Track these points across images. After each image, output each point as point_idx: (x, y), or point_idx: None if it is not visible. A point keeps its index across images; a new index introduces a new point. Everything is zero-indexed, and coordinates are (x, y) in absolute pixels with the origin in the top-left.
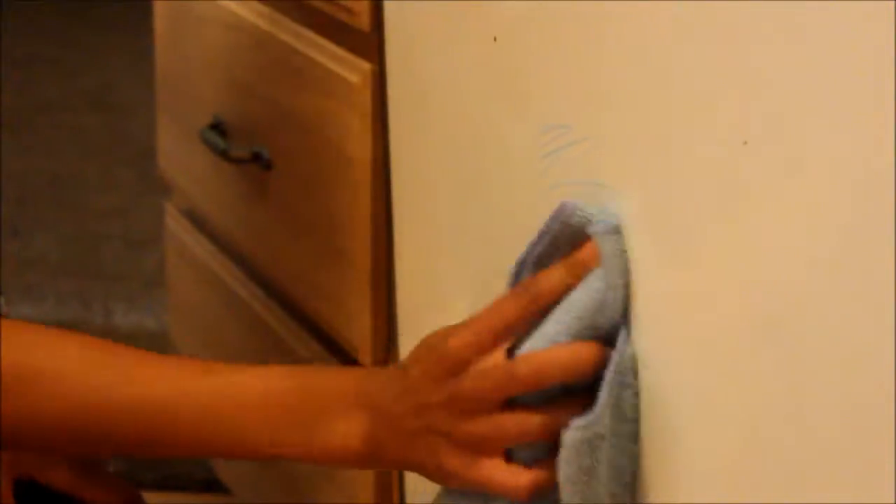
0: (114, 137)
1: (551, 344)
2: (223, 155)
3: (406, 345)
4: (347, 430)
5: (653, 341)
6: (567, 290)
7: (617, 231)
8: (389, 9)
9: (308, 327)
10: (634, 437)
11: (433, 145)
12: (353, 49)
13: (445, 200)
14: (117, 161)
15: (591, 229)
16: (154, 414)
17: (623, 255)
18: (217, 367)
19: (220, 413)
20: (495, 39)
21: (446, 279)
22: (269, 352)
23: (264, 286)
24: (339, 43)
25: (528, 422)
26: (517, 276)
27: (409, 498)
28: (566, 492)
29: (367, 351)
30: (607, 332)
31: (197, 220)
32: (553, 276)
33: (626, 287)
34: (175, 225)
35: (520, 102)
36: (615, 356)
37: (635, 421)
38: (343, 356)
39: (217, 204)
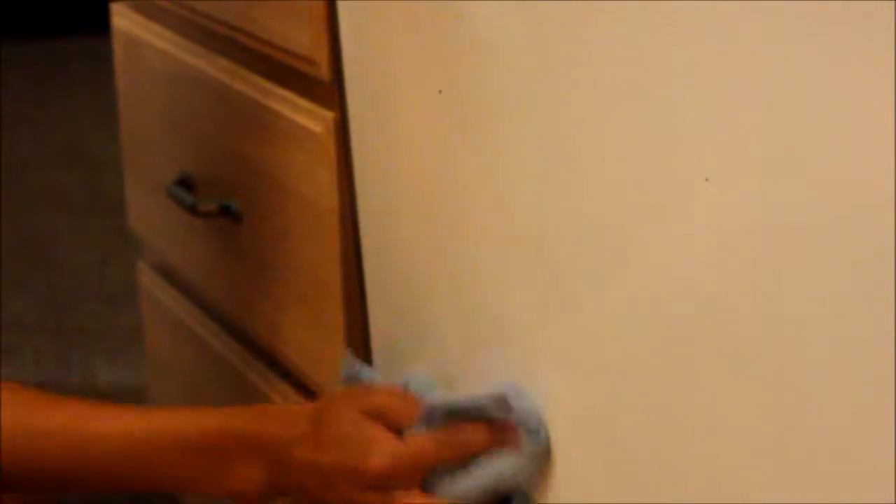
0: (87, 194)
1: (462, 493)
2: (191, 210)
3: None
4: (249, 476)
5: None
6: (483, 451)
7: (542, 425)
8: (348, 58)
9: (284, 377)
10: None
11: (399, 191)
12: (315, 99)
13: (413, 245)
14: (91, 217)
15: (521, 418)
16: (68, 454)
17: (546, 452)
18: (133, 411)
19: (130, 456)
20: (440, 92)
21: (418, 324)
22: (247, 402)
23: (239, 338)
24: (300, 93)
25: None
26: (430, 412)
27: None
28: None
29: None
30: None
31: (169, 275)
32: (479, 434)
33: (536, 473)
34: (148, 282)
35: (472, 147)
36: None
37: None
38: None
39: (188, 258)
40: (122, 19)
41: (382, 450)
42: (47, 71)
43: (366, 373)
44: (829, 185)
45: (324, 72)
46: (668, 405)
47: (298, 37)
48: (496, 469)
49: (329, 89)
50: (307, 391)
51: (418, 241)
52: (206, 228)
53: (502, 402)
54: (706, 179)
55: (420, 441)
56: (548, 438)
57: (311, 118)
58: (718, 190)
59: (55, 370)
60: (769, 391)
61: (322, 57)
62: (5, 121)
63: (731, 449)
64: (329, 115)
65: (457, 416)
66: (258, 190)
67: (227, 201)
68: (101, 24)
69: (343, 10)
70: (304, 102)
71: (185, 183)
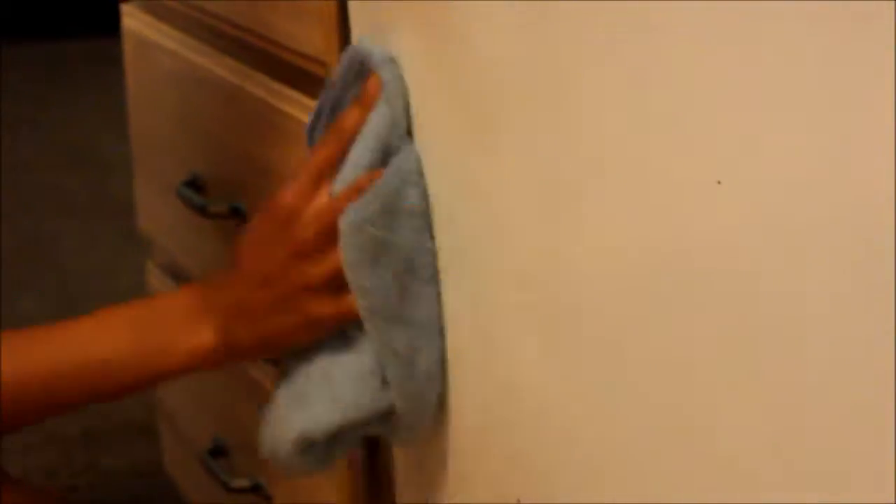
0: (94, 195)
1: (356, 168)
2: (201, 211)
3: None
4: (198, 337)
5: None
6: (363, 122)
7: (392, 60)
8: None
9: None
10: (424, 232)
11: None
12: None
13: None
14: (98, 219)
15: (371, 63)
16: (50, 376)
17: (400, 78)
18: (62, 324)
19: (90, 352)
20: (450, 93)
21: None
22: (254, 403)
23: None
24: (310, 95)
25: None
26: (313, 128)
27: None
28: (350, 275)
29: None
30: (398, 149)
31: (178, 277)
32: (351, 114)
33: (406, 105)
34: (157, 282)
35: (483, 147)
36: (395, 160)
37: (424, 216)
38: None
39: (197, 259)
40: (133, 20)
41: (282, 187)
42: (53, 72)
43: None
44: (831, 185)
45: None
46: (665, 406)
47: (309, 38)
48: (374, 120)
49: None
50: None
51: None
52: (216, 229)
53: (346, 53)
54: (718, 182)
55: (310, 157)
56: (400, 69)
57: None
58: (722, 191)
59: None
60: (769, 391)
61: (332, 59)
62: (10, 122)
63: (730, 449)
64: None
65: (329, 107)
66: (268, 191)
67: (237, 202)
68: (106, 26)
69: (354, 11)
70: (314, 104)
71: (195, 184)
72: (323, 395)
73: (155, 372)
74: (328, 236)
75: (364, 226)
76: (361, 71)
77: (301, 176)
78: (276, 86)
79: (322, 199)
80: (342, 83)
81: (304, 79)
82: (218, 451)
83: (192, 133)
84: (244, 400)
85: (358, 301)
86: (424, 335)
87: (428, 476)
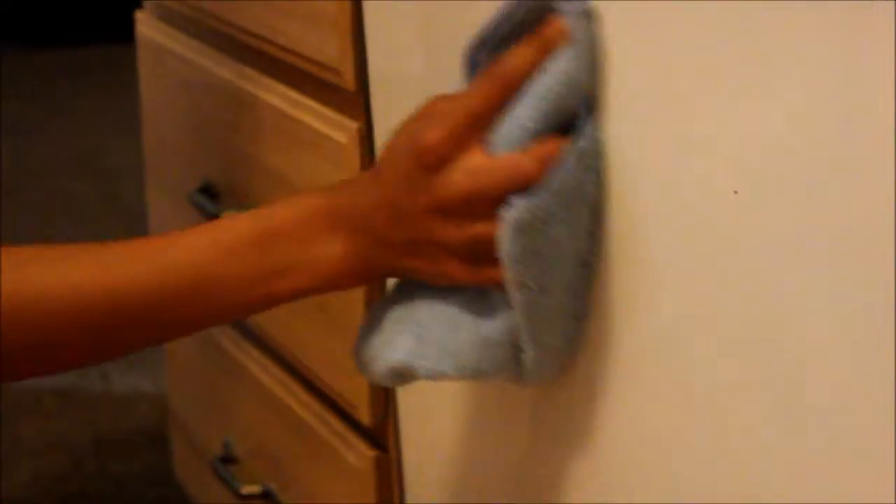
0: (105, 202)
1: (521, 129)
2: (213, 218)
3: (404, 399)
4: (330, 254)
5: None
6: (534, 70)
7: (589, 13)
8: (374, 68)
9: (306, 386)
10: (594, 218)
11: None
12: (340, 109)
13: None
14: (109, 226)
15: (562, 7)
16: (155, 293)
17: (594, 36)
18: (180, 234)
19: (206, 272)
20: None
21: None
22: (269, 412)
23: (261, 347)
24: (325, 103)
25: None
26: (473, 59)
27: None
28: (510, 271)
29: (365, 409)
30: (575, 114)
31: None
32: (519, 56)
33: (597, 70)
34: None
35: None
36: (577, 140)
37: (596, 204)
38: (342, 414)
39: None
40: (147, 28)
41: (429, 122)
42: (66, 79)
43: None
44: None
45: (349, 82)
46: (668, 408)
47: (324, 47)
48: (553, 76)
49: (354, 99)
50: (326, 397)
51: None
52: None
53: None
54: (735, 192)
55: (466, 93)
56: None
57: (335, 128)
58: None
59: (75, 378)
60: (769, 391)
61: (347, 67)
62: (22, 128)
63: (731, 449)
64: (353, 125)
65: (496, 46)
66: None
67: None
68: (118, 33)
69: (369, 20)
70: (328, 112)
71: (208, 191)
72: (443, 340)
73: (285, 290)
74: (479, 203)
75: (535, 223)
76: (543, 13)
77: (454, 116)
78: (291, 93)
79: (476, 155)
80: (517, 19)
81: (319, 87)
82: (228, 458)
83: (204, 140)
84: (255, 407)
85: (510, 290)
86: (569, 320)
87: (438, 478)
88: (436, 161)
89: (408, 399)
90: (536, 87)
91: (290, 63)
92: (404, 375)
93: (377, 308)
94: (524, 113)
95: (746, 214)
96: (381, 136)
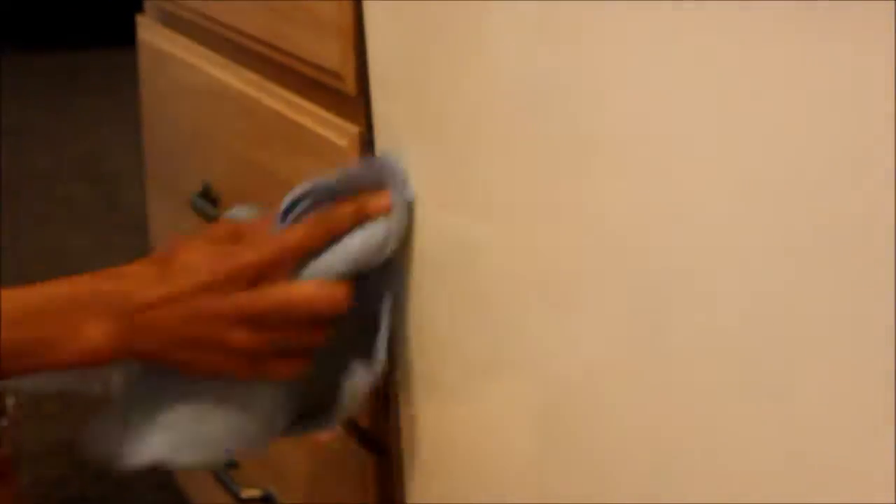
0: (105, 206)
1: (327, 273)
2: (214, 221)
3: (404, 400)
4: (95, 336)
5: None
6: (352, 228)
7: (411, 201)
8: (375, 73)
9: None
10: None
11: (422, 203)
12: (341, 113)
13: (434, 255)
14: (109, 230)
15: (392, 189)
16: None
17: (406, 217)
18: None
19: None
20: (465, 108)
21: (442, 337)
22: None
23: None
24: (326, 107)
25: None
26: (288, 210)
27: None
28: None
29: (364, 411)
30: (373, 271)
31: None
32: (345, 214)
33: (402, 238)
34: None
35: (503, 153)
36: (388, 297)
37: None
38: None
39: None
40: (148, 32)
41: (251, 244)
42: (67, 82)
43: (242, 212)
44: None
45: (350, 86)
46: (667, 414)
47: (326, 51)
48: (367, 234)
49: (355, 104)
50: None
51: (440, 252)
52: None
53: (368, 163)
54: (735, 195)
55: (287, 231)
56: (412, 191)
57: (336, 132)
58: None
59: (75, 382)
60: (770, 391)
61: (348, 71)
62: (23, 132)
63: (730, 449)
64: (354, 129)
65: (321, 196)
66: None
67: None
68: (119, 36)
69: (370, 25)
70: (329, 116)
71: (208, 194)
72: (197, 435)
73: (43, 363)
74: (279, 317)
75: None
76: (376, 181)
77: (275, 244)
78: (293, 98)
79: (283, 282)
80: (352, 182)
81: (320, 91)
82: (229, 462)
83: (206, 144)
84: None
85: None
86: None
87: (437, 480)
88: (248, 279)
89: (408, 399)
90: (348, 245)
91: (290, 67)
92: (163, 465)
93: (122, 398)
94: (335, 259)
95: (746, 214)
96: (382, 141)
